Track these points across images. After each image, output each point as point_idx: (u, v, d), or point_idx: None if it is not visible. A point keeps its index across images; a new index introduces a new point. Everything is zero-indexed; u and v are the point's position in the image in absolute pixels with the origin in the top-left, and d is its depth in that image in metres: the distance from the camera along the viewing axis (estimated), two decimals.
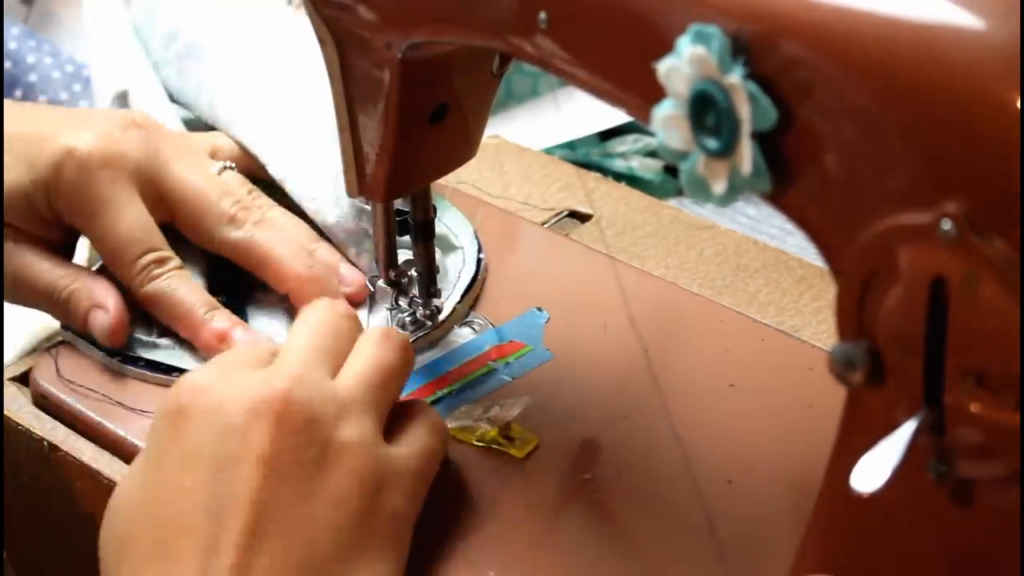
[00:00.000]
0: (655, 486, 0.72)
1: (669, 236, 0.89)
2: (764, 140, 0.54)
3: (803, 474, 0.68)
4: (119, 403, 0.77)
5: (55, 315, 0.81)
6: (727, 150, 0.55)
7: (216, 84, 0.90)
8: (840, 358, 0.54)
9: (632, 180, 1.04)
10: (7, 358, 0.82)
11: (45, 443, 0.76)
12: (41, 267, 0.80)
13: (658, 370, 0.78)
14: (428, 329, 0.81)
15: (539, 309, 0.83)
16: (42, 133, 0.80)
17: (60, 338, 0.81)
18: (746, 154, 0.54)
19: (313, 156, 0.84)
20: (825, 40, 0.52)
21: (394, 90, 0.72)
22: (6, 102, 0.84)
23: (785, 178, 0.55)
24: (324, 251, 0.83)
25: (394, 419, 0.69)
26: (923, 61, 0.50)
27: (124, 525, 0.64)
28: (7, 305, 0.84)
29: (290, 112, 0.87)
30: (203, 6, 0.96)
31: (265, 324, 0.82)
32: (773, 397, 0.76)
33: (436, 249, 0.82)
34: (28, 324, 0.86)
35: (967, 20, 0.50)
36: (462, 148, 0.78)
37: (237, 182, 0.84)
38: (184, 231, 0.83)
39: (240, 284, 0.83)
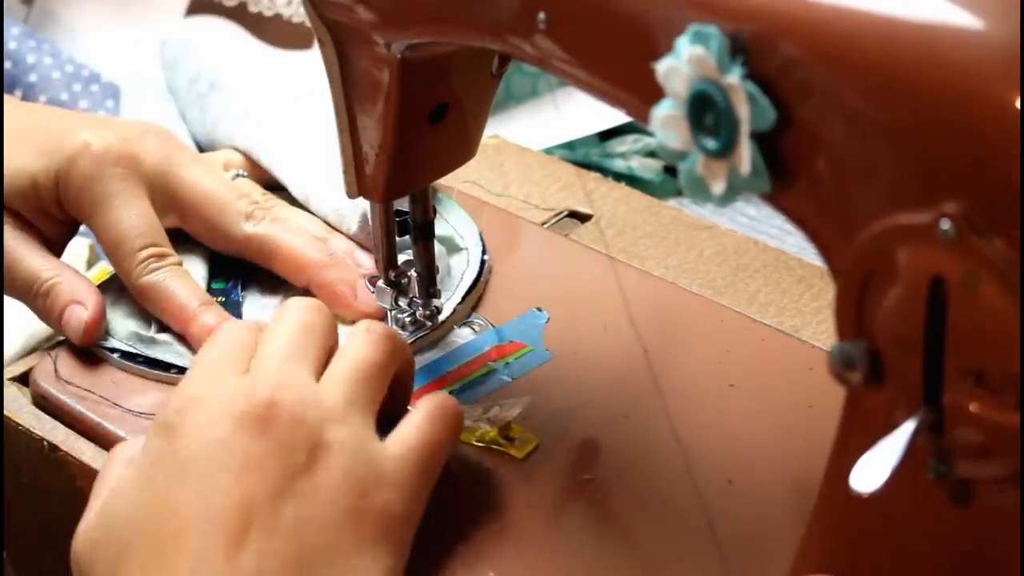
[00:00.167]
0: (655, 486, 0.72)
1: (669, 236, 0.89)
2: (763, 140, 0.54)
3: (803, 474, 0.68)
4: (117, 404, 0.77)
5: (31, 307, 0.81)
6: (726, 150, 0.55)
7: (235, 113, 0.92)
8: (839, 358, 0.54)
9: (632, 180, 1.04)
10: (7, 358, 0.82)
11: (45, 443, 0.76)
12: (27, 255, 0.81)
13: (658, 370, 0.78)
14: (428, 329, 0.81)
15: (539, 309, 0.83)
16: (62, 128, 0.82)
17: (61, 337, 0.81)
18: (745, 154, 0.54)
19: (330, 172, 0.85)
20: (824, 40, 0.52)
21: (393, 90, 0.72)
22: (26, 104, 0.85)
23: (784, 178, 0.55)
24: (339, 240, 0.84)
25: (402, 411, 0.69)
26: (923, 61, 0.50)
27: (118, 539, 0.65)
28: (7, 305, 0.84)
29: (306, 133, 0.88)
30: (224, 49, 0.99)
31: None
32: (773, 397, 0.76)
33: (440, 250, 0.82)
34: (28, 324, 0.86)
35: (967, 20, 0.50)
36: (462, 148, 0.78)
37: (250, 186, 0.86)
38: (197, 233, 0.84)
39: (240, 280, 0.84)
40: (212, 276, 0.85)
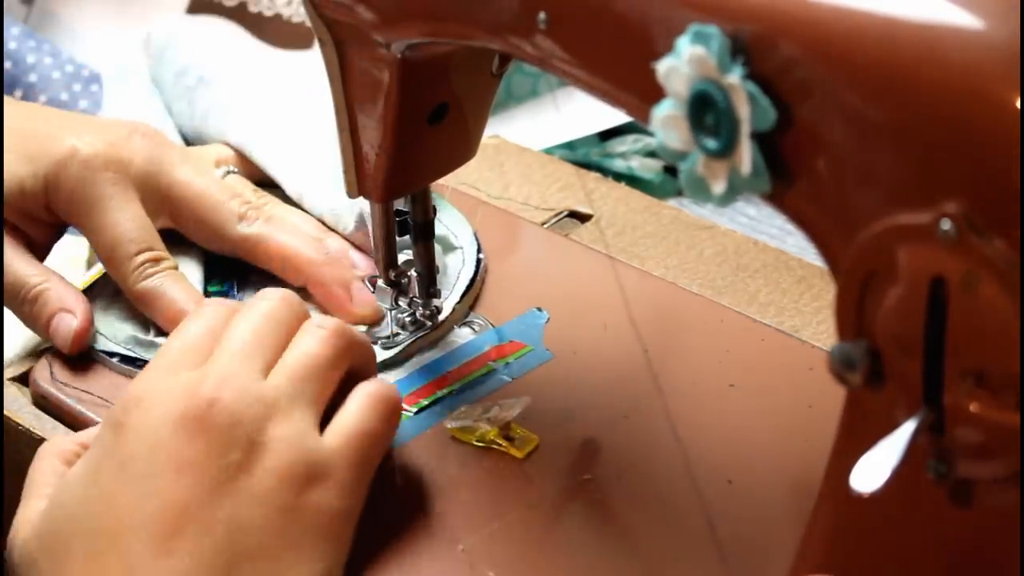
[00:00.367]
0: (655, 486, 0.72)
1: (669, 236, 0.89)
2: (763, 140, 0.54)
3: (803, 474, 0.68)
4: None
5: (18, 313, 0.81)
6: (726, 150, 0.55)
7: (226, 108, 0.91)
8: (840, 358, 0.54)
9: (632, 180, 1.04)
10: (7, 358, 0.82)
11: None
12: (14, 261, 0.81)
13: (658, 370, 0.78)
14: (428, 329, 0.81)
15: (539, 309, 0.83)
16: (48, 132, 0.81)
17: None
18: (745, 154, 0.54)
19: (326, 171, 0.85)
20: (824, 40, 0.52)
21: (393, 90, 0.72)
22: (12, 101, 0.85)
23: (784, 178, 0.55)
24: (334, 240, 0.84)
25: (342, 401, 0.69)
26: (923, 61, 0.50)
27: (62, 534, 0.65)
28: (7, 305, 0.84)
29: (299, 130, 0.88)
30: (212, 43, 0.98)
31: None
32: (773, 397, 0.76)
33: (436, 249, 0.82)
34: None
35: (967, 20, 0.50)
36: (462, 148, 0.78)
37: (241, 184, 0.86)
38: (191, 233, 0.84)
39: (236, 281, 0.84)
40: (208, 278, 0.85)
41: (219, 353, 0.67)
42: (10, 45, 1.07)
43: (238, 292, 0.84)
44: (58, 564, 0.64)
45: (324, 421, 0.68)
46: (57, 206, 0.81)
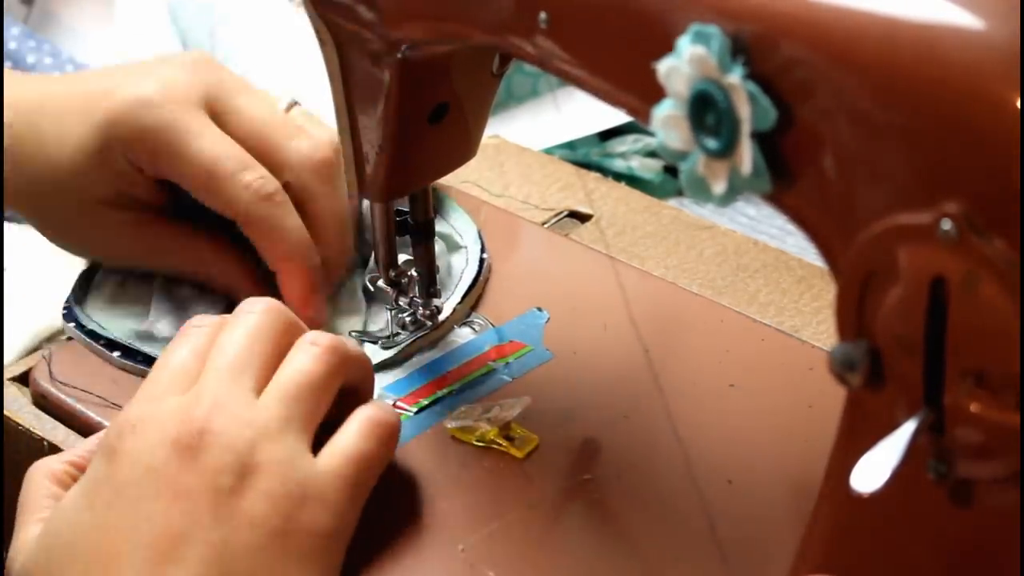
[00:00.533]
0: (655, 486, 0.72)
1: (669, 236, 0.89)
2: (764, 140, 0.54)
3: (803, 474, 0.68)
4: (116, 404, 0.77)
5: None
6: (727, 150, 0.55)
7: (249, 53, 0.90)
8: (840, 358, 0.54)
9: (632, 180, 1.04)
10: (7, 358, 0.82)
11: (45, 443, 0.76)
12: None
13: (658, 370, 0.78)
14: (428, 329, 0.81)
15: (539, 309, 0.83)
16: (100, 90, 0.79)
17: (62, 337, 0.81)
18: (746, 154, 0.54)
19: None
20: (825, 40, 0.52)
21: (394, 90, 0.72)
22: (55, 77, 0.84)
23: (785, 178, 0.55)
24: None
25: (340, 421, 0.68)
26: (923, 61, 0.50)
27: (57, 562, 0.65)
28: (7, 305, 0.84)
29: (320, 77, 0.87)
30: None
31: None
32: (773, 397, 0.76)
33: (440, 247, 0.82)
34: (28, 324, 0.86)
35: (967, 20, 0.50)
36: (462, 148, 0.78)
37: (304, 118, 0.82)
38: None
39: None
40: None
41: (206, 376, 0.67)
42: (10, 45, 1.07)
43: None
44: None
45: (321, 438, 0.67)
46: (140, 160, 0.78)
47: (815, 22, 0.53)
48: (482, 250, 0.85)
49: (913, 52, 0.51)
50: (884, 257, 0.52)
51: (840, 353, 0.54)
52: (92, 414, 0.77)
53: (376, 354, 0.79)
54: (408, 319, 0.81)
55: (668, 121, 0.56)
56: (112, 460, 0.65)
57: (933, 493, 0.54)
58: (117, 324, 0.81)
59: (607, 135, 1.09)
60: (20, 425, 0.78)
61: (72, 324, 0.81)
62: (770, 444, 0.74)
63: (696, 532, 0.69)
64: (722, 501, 0.71)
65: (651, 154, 1.07)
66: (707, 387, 0.77)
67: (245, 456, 0.64)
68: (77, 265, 0.86)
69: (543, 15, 0.62)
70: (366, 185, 0.76)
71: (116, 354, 0.80)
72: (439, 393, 0.77)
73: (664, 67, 0.55)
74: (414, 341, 0.80)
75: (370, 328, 0.82)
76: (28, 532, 0.67)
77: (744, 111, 0.54)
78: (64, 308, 0.82)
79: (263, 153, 0.79)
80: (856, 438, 0.56)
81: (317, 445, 0.67)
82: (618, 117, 1.05)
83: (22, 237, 0.90)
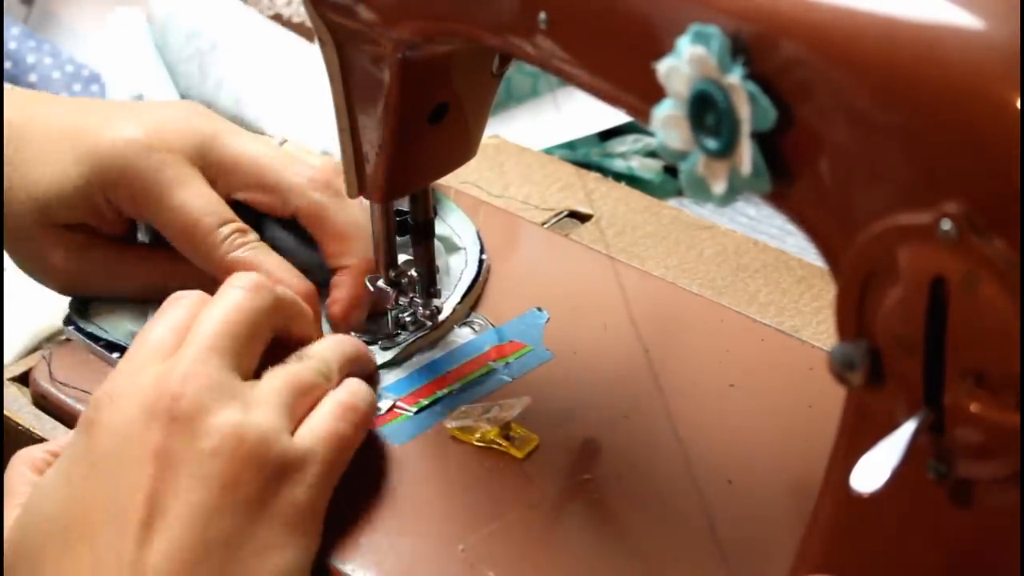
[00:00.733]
0: (655, 486, 0.72)
1: (669, 236, 0.89)
2: (764, 140, 0.54)
3: (803, 474, 0.68)
4: None
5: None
6: (727, 150, 0.55)
7: (240, 79, 0.90)
8: (840, 358, 0.54)
9: (632, 180, 1.04)
10: (7, 358, 0.82)
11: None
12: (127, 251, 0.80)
13: (658, 370, 0.78)
14: (428, 329, 0.81)
15: (539, 309, 0.83)
16: (93, 126, 0.79)
17: (63, 336, 0.81)
18: (746, 154, 0.54)
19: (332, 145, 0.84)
20: (825, 40, 0.52)
21: (394, 90, 0.72)
22: (53, 98, 0.84)
23: (785, 178, 0.55)
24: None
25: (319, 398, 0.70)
26: (923, 61, 0.50)
27: (37, 536, 0.65)
28: (7, 305, 0.84)
29: (315, 103, 0.87)
30: (224, 10, 0.97)
31: None
32: (773, 397, 0.76)
33: (439, 248, 0.82)
34: (28, 324, 0.86)
35: (967, 20, 0.50)
36: (462, 148, 0.78)
37: (301, 152, 0.83)
38: (254, 201, 0.81)
39: None
40: None
41: (185, 347, 0.67)
42: (10, 45, 1.07)
43: None
44: (34, 566, 0.65)
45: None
46: (120, 203, 0.79)
47: (815, 22, 0.53)
48: (481, 250, 0.85)
49: (913, 52, 0.51)
50: (884, 257, 0.52)
51: (840, 353, 0.54)
52: None
53: (376, 354, 0.79)
54: (408, 319, 0.81)
55: (668, 121, 0.56)
56: (90, 433, 0.66)
57: (933, 493, 0.54)
58: (116, 326, 0.81)
59: (607, 135, 1.09)
60: (20, 425, 0.78)
61: (71, 327, 0.81)
62: (770, 444, 0.74)
63: (696, 532, 0.69)
64: (722, 501, 0.71)
65: (651, 154, 1.07)
66: (707, 387, 0.77)
67: (222, 422, 0.65)
68: None
69: (543, 15, 0.62)
70: (366, 185, 0.76)
71: (115, 355, 0.80)
72: (439, 393, 0.77)
73: (664, 67, 0.55)
74: (414, 341, 0.80)
75: (370, 328, 0.81)
76: (8, 517, 0.67)
77: (744, 111, 0.54)
78: (65, 316, 0.82)
79: (267, 186, 0.80)
80: (856, 438, 0.56)
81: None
82: (618, 117, 1.05)
83: None
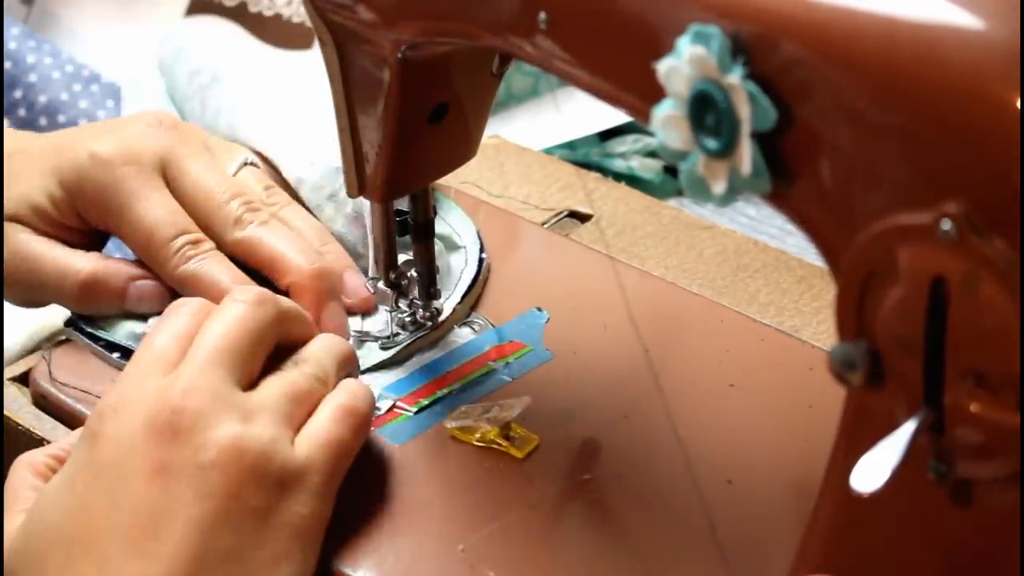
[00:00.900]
0: (655, 486, 0.72)
1: (669, 236, 0.89)
2: (764, 140, 0.54)
3: (803, 474, 0.68)
4: None
5: (66, 296, 0.80)
6: (727, 150, 0.55)
7: (235, 106, 0.91)
8: (840, 358, 0.54)
9: (632, 180, 1.04)
10: (7, 358, 0.82)
11: (45, 443, 0.76)
12: (55, 249, 0.80)
13: (658, 370, 0.78)
14: (428, 329, 0.81)
15: (539, 309, 0.83)
16: (67, 143, 0.81)
17: (63, 336, 0.81)
18: (746, 154, 0.54)
19: (328, 167, 0.85)
20: (825, 40, 0.52)
21: (394, 90, 0.72)
22: (35, 135, 0.85)
23: (785, 178, 0.55)
24: (334, 254, 0.82)
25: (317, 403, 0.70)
26: (923, 61, 0.50)
27: (38, 546, 0.65)
28: (7, 305, 0.84)
29: (309, 127, 0.88)
30: (226, 44, 0.98)
31: None
32: (773, 397, 0.76)
33: (439, 247, 0.82)
34: (28, 324, 0.86)
35: (967, 20, 0.50)
36: (462, 148, 0.78)
37: (255, 179, 0.83)
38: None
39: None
40: None
41: (188, 360, 0.67)
42: (10, 45, 1.07)
43: None
44: (36, 575, 0.65)
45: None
46: (87, 213, 0.80)
47: (815, 22, 0.53)
48: (481, 250, 0.85)
49: (913, 52, 0.51)
50: (884, 257, 0.52)
51: (840, 353, 0.54)
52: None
53: (376, 354, 0.79)
54: (408, 319, 0.81)
55: (668, 121, 0.56)
56: (93, 444, 0.66)
57: (933, 493, 0.54)
58: (117, 326, 0.81)
59: (607, 135, 1.08)
60: (20, 425, 0.78)
61: (71, 327, 0.81)
62: (770, 444, 0.74)
63: (696, 532, 0.69)
64: (722, 501, 0.71)
65: (651, 154, 1.07)
66: (707, 387, 0.77)
67: (222, 434, 0.65)
68: None
69: (543, 15, 0.62)
70: (366, 185, 0.76)
71: (116, 356, 0.80)
72: (439, 393, 0.77)
73: (664, 67, 0.55)
74: (414, 341, 0.80)
75: (370, 328, 0.81)
76: (11, 523, 0.67)
77: (744, 111, 0.54)
78: (66, 317, 0.82)
79: (201, 223, 0.81)
80: (856, 438, 0.56)
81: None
82: (618, 117, 1.05)
83: None
